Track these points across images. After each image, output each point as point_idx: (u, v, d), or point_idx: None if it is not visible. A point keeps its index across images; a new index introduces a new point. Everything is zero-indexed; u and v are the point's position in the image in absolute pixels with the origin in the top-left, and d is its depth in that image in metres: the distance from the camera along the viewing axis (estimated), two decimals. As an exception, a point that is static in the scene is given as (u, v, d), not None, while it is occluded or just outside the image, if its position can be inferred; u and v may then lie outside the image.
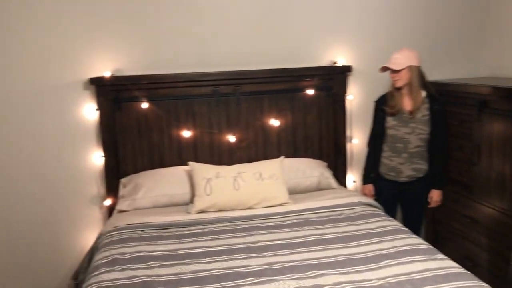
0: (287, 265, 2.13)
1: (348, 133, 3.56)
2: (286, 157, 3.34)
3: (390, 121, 3.07)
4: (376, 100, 3.19)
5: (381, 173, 3.17)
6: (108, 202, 3.22)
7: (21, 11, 3.03)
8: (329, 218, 2.70)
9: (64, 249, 3.29)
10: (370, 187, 3.23)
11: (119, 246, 2.39)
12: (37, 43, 3.08)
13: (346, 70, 3.47)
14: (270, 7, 3.36)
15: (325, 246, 2.32)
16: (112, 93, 3.17)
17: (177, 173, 3.09)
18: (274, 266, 2.12)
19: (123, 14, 3.17)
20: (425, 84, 3.06)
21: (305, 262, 2.15)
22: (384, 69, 3.00)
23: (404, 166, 3.07)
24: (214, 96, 3.31)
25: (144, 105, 3.20)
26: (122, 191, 3.11)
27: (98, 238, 2.64)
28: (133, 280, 2.04)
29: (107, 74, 3.14)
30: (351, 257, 2.19)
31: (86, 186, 3.27)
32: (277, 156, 3.34)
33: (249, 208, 2.87)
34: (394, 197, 3.20)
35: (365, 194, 3.21)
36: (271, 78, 3.37)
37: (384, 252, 2.22)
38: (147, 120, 3.26)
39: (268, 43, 3.40)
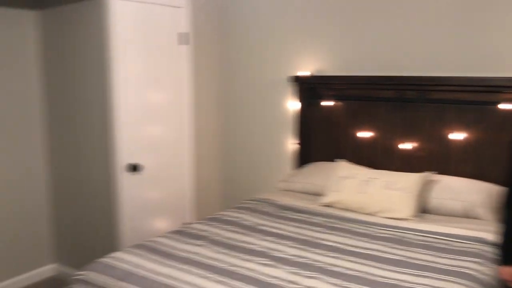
0: (318, 265, 2.19)
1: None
2: (470, 177, 3.03)
3: None
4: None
5: None
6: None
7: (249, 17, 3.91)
8: (425, 243, 2.40)
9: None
10: (510, 271, 2.03)
11: (238, 211, 2.96)
12: (260, 47, 3.90)
13: None
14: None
15: (371, 263, 2.20)
16: (308, 90, 3.64)
17: (332, 167, 3.28)
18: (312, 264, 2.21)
19: (325, 25, 3.57)
20: None
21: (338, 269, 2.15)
22: None
23: None
24: (396, 100, 3.28)
25: (331, 103, 3.53)
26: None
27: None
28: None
29: (306, 73, 3.63)
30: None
31: (282, 166, 3.89)
32: (454, 173, 3.10)
33: (369, 214, 2.83)
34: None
35: (504, 279, 2.12)
36: (459, 86, 3.03)
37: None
38: (333, 117, 3.56)
39: (463, 46, 3.06)
